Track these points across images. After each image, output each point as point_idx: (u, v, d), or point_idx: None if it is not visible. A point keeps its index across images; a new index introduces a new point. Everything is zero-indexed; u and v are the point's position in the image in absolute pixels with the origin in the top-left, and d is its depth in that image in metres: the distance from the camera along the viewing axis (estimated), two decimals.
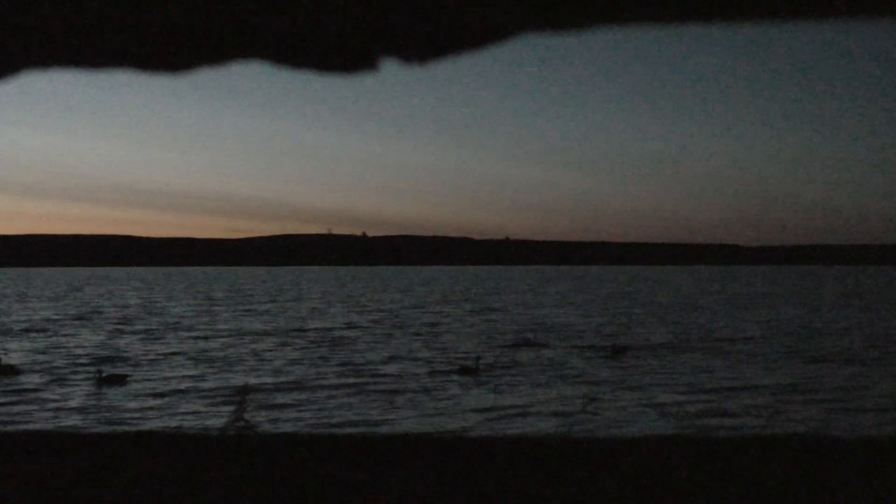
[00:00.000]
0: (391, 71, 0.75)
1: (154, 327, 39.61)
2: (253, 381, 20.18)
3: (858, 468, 0.85)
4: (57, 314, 50.35)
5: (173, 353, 28.09)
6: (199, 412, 17.76)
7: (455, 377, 22.47)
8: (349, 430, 15.82)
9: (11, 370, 23.24)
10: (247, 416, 15.55)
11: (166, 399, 19.21)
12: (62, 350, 29.85)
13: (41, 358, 27.26)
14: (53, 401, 19.18)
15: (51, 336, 35.36)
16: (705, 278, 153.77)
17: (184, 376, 22.66)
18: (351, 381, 21.25)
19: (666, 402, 18.75)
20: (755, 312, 50.33)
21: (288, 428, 16.28)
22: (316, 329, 37.78)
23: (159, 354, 27.89)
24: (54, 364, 25.61)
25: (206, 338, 33.75)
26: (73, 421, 17.16)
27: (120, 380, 21.44)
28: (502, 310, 54.11)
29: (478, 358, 24.39)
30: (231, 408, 16.16)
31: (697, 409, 17.91)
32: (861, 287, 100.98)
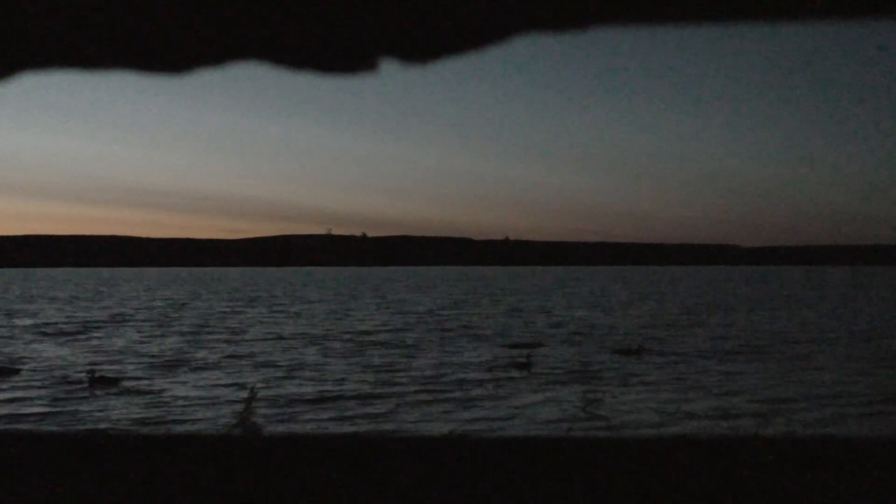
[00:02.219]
0: (391, 71, 0.75)
1: (186, 329, 39.16)
2: (259, 384, 19.82)
3: (858, 468, 0.85)
4: (88, 315, 50.07)
5: (208, 357, 27.71)
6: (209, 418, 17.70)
7: (514, 373, 23.31)
8: (349, 430, 15.79)
9: (8, 371, 23.17)
10: (254, 419, 15.53)
11: (165, 403, 19.10)
12: (77, 353, 29.83)
13: (49, 360, 27.25)
14: (48, 401, 19.14)
15: (76, 337, 35.28)
16: (718, 279, 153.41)
17: (209, 382, 22.29)
18: (415, 387, 20.96)
19: (671, 402, 18.74)
20: (784, 313, 50.07)
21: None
22: (351, 332, 37.36)
23: (193, 357, 27.47)
24: (54, 365, 25.60)
25: (247, 341, 33.37)
26: (64, 422, 17.14)
27: (113, 381, 21.26)
28: (529, 310, 54.02)
29: (529, 355, 25.20)
30: (238, 410, 16.10)
31: (698, 409, 17.89)
32: (871, 287, 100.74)
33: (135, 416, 17.55)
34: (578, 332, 36.31)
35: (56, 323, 43.67)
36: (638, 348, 28.37)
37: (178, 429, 15.93)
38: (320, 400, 19.17)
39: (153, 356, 27.87)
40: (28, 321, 45.24)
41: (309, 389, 20.66)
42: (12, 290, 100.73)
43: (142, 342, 33.16)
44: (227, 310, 55.43)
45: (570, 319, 45.01)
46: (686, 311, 53.15)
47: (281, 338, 34.56)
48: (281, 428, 15.95)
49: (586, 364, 25.08)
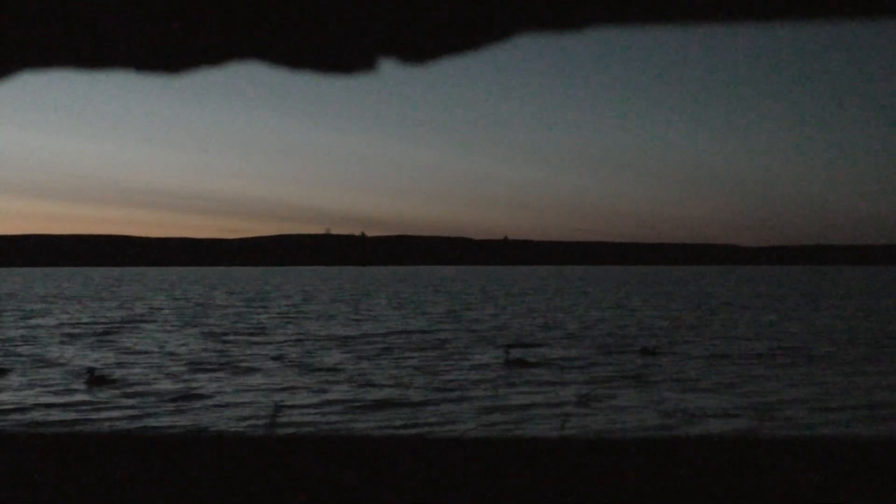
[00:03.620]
0: (391, 71, 0.75)
1: (197, 330, 38.75)
2: (281, 400, 19.40)
3: (858, 468, 0.85)
4: (106, 316, 49.72)
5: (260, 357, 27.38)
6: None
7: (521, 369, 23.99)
8: (348, 430, 15.77)
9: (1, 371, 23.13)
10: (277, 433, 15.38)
11: (170, 405, 19.03)
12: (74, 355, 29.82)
13: (50, 360, 27.24)
14: (44, 401, 19.12)
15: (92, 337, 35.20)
16: (720, 279, 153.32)
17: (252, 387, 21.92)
18: (430, 390, 20.87)
19: (671, 403, 18.74)
20: (793, 314, 49.77)
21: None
22: (367, 335, 37.04)
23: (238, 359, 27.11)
24: (50, 365, 25.58)
25: (258, 343, 32.99)
26: (58, 421, 17.13)
27: (112, 381, 21.23)
28: (541, 311, 53.98)
29: (507, 350, 26.06)
30: (263, 424, 15.89)
31: (697, 409, 17.90)
32: (875, 288, 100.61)
33: (135, 416, 17.56)
34: (598, 333, 36.33)
35: (59, 324, 43.67)
36: (654, 348, 28.51)
37: (181, 430, 15.91)
38: (342, 403, 19.02)
39: (160, 356, 27.85)
40: (32, 321, 45.28)
41: (331, 393, 20.53)
42: (14, 289, 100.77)
43: (148, 342, 33.11)
44: (242, 310, 55.27)
45: (588, 319, 44.97)
46: (696, 310, 53.08)
47: (296, 339, 34.39)
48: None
49: (603, 364, 25.12)
